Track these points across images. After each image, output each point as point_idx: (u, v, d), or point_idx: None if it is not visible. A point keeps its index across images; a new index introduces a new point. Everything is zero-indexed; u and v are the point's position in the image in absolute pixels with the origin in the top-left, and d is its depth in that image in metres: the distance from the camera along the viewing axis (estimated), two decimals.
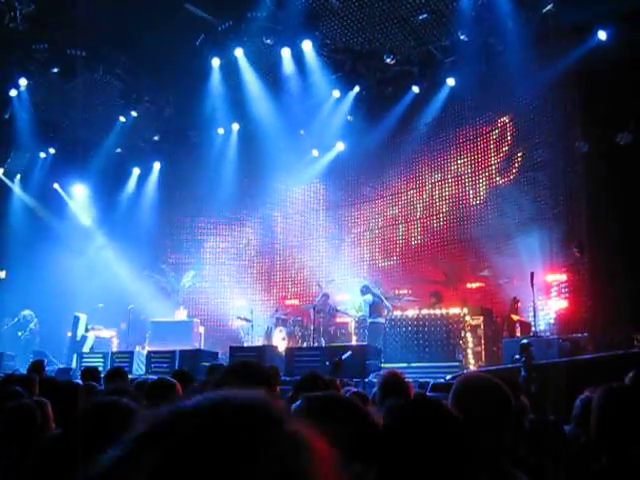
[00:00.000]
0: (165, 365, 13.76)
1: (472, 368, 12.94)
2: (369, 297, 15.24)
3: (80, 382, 6.87)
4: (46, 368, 13.72)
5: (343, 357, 11.24)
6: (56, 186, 21.10)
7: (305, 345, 16.34)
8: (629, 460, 2.47)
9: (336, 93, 18.77)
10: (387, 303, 15.30)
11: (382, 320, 14.57)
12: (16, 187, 20.91)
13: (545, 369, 8.74)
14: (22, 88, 18.05)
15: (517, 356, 9.67)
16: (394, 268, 19.40)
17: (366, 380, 11.36)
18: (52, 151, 20.49)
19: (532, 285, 12.18)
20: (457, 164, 18.63)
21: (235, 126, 20.42)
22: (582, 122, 14.19)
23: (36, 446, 2.84)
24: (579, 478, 2.85)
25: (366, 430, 1.91)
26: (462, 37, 15.87)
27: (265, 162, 20.22)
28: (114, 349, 17.50)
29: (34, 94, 18.24)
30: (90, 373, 7.44)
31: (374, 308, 15.07)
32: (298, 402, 2.04)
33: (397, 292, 17.18)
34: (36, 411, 3.80)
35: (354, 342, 15.37)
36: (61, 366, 15.88)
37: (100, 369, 9.88)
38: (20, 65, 17.37)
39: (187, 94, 18.82)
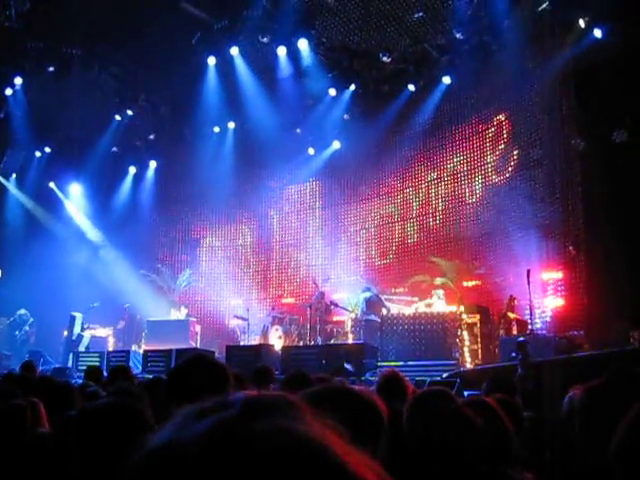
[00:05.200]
0: (161, 364, 13.73)
1: (468, 366, 12.96)
2: (367, 294, 15.24)
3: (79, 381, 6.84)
4: (42, 367, 13.74)
5: (345, 365, 11.51)
6: (52, 185, 21.06)
7: (301, 343, 16.33)
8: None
9: (332, 91, 18.75)
10: (387, 304, 15.27)
11: (377, 319, 14.55)
12: (12, 186, 20.85)
13: (541, 367, 8.75)
14: (17, 87, 18.05)
15: (514, 354, 9.70)
16: (390, 266, 19.39)
17: (362, 378, 11.36)
18: (48, 150, 20.44)
19: (528, 283, 12.18)
20: (453, 162, 18.62)
21: (231, 125, 20.40)
22: (578, 120, 14.20)
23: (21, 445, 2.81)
24: (573, 476, 2.86)
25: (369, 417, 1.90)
26: (458, 35, 15.88)
27: (261, 160, 20.26)
28: (110, 348, 17.48)
29: (29, 93, 18.20)
30: (92, 373, 7.36)
31: (370, 305, 15.06)
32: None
33: (393, 290, 17.17)
34: (26, 411, 3.75)
35: (350, 340, 15.35)
36: (57, 365, 15.85)
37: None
38: (15, 64, 17.35)
39: (183, 93, 18.81)
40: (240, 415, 0.68)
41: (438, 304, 14.69)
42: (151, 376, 8.98)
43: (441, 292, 15.22)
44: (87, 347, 17.18)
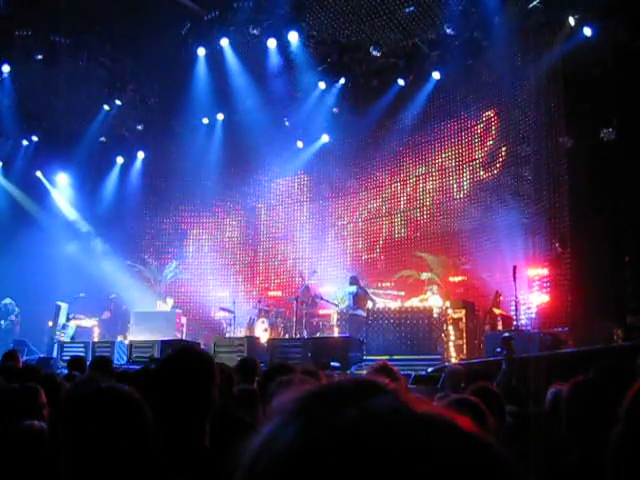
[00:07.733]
0: (147, 355, 13.71)
1: (453, 361, 13.01)
2: (353, 288, 15.24)
3: (64, 372, 6.81)
4: (27, 357, 13.68)
5: (332, 363, 11.62)
6: (39, 174, 20.92)
7: (287, 336, 16.34)
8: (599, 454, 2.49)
9: (322, 85, 18.72)
10: (373, 297, 15.28)
11: (363, 313, 14.56)
12: None
13: (526, 362, 8.80)
14: (5, 75, 17.88)
15: (498, 349, 9.75)
16: (377, 261, 19.43)
17: (348, 372, 11.39)
18: (35, 139, 20.26)
19: (514, 279, 12.23)
20: (441, 158, 18.66)
21: (220, 116, 20.32)
22: (566, 117, 14.25)
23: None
24: (555, 471, 2.88)
25: None
26: (448, 31, 15.90)
27: (249, 153, 20.22)
28: (95, 339, 17.41)
29: (17, 81, 18.05)
30: (76, 363, 7.37)
31: (356, 299, 15.07)
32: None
33: (380, 285, 17.20)
34: (40, 392, 3.72)
35: (336, 334, 15.39)
36: (42, 355, 15.78)
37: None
38: (3, 51, 17.19)
39: (172, 83, 18.73)
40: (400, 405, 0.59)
41: (432, 299, 14.72)
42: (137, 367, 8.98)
43: (435, 288, 15.26)
44: (72, 337, 17.11)
